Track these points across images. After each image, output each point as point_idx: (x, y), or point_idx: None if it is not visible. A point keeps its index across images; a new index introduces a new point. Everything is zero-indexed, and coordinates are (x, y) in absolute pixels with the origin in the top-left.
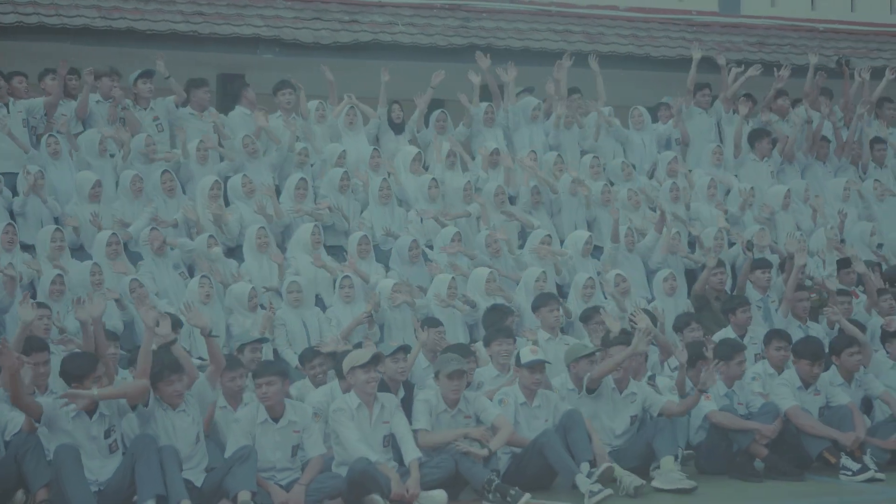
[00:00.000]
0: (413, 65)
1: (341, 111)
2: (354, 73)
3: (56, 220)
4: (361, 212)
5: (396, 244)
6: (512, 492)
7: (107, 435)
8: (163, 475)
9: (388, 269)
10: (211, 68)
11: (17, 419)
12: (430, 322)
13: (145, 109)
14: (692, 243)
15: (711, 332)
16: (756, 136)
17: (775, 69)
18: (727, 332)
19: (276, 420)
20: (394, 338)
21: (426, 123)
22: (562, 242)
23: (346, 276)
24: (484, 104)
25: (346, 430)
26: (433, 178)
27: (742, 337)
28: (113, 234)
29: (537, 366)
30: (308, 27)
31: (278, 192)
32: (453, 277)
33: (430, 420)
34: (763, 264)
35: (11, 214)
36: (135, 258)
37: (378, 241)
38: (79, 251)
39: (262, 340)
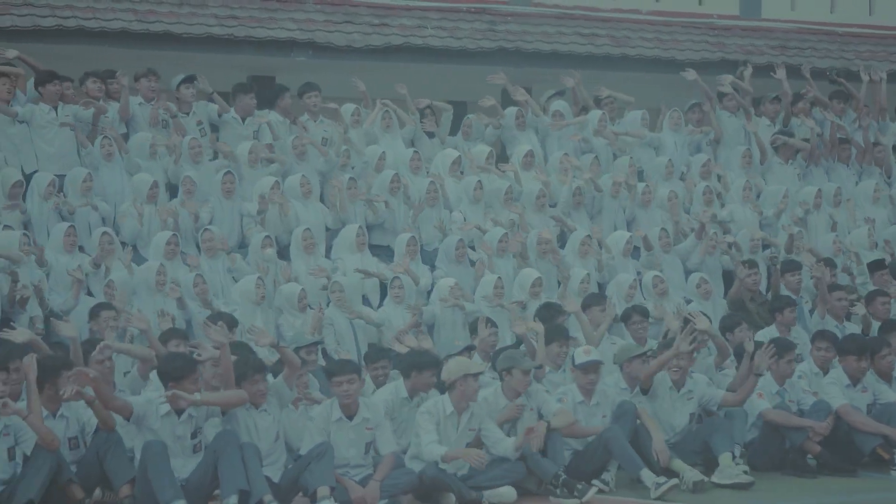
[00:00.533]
0: (444, 68)
1: (376, 117)
2: (385, 75)
3: (104, 222)
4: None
5: (443, 244)
6: (579, 486)
7: (193, 436)
8: (245, 471)
9: (433, 268)
10: (242, 70)
11: (94, 419)
12: (491, 323)
13: (188, 114)
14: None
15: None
16: (779, 141)
17: (804, 73)
18: (770, 332)
19: (350, 418)
20: (442, 337)
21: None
22: (600, 245)
23: (397, 278)
24: (514, 108)
25: (426, 433)
26: (478, 181)
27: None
28: (173, 234)
29: (591, 366)
30: (340, 30)
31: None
32: (499, 277)
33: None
34: (792, 267)
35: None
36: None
37: (423, 243)
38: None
39: (317, 343)
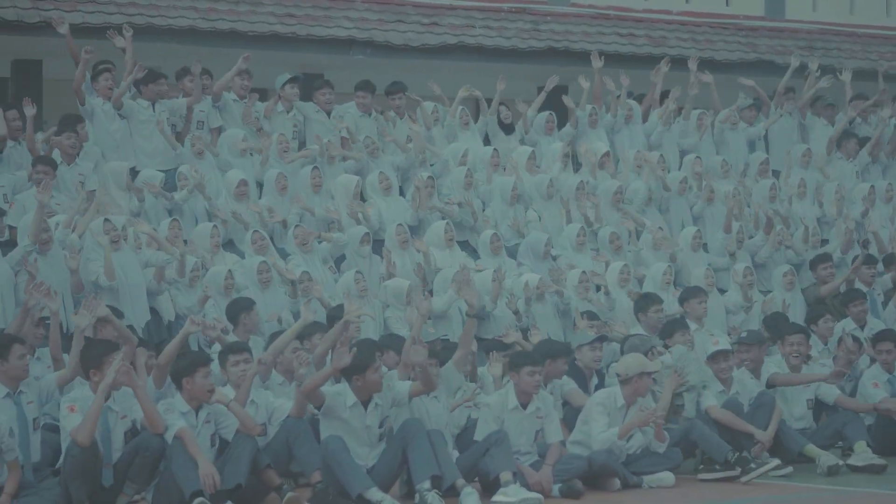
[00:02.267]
0: (494, 66)
1: (456, 110)
2: (437, 74)
3: (208, 217)
4: (483, 209)
5: (530, 240)
6: (754, 462)
7: (380, 424)
8: (435, 456)
9: (518, 264)
10: (291, 68)
11: (283, 406)
12: (591, 315)
13: (288, 113)
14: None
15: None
16: (843, 138)
17: (837, 73)
18: (847, 324)
19: (524, 406)
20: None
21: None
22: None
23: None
24: (588, 107)
25: (597, 424)
26: (550, 178)
27: (862, 328)
28: (255, 231)
29: (720, 355)
30: (394, 29)
31: (402, 192)
32: (584, 271)
33: None
34: (870, 260)
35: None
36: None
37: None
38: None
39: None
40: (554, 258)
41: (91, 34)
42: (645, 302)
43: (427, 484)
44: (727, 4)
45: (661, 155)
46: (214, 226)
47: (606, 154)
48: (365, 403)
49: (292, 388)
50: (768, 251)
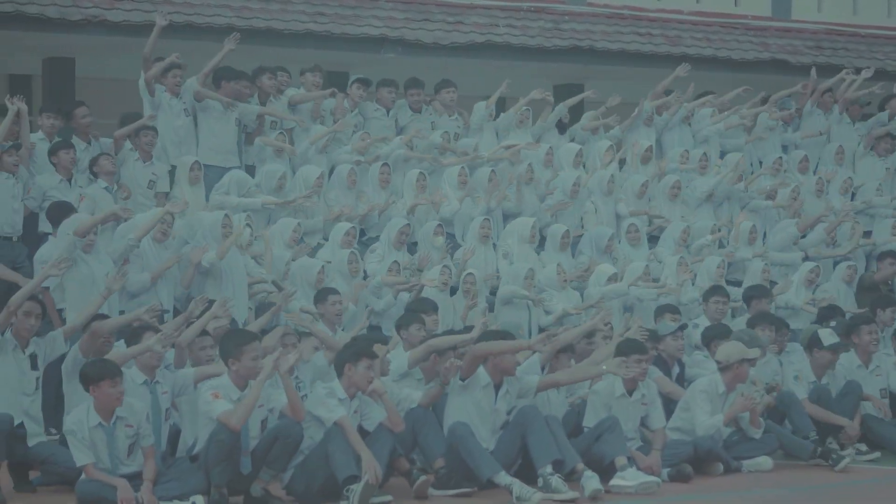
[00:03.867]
0: (519, 65)
1: (519, 108)
2: (463, 71)
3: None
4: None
5: (593, 234)
6: (834, 455)
7: (508, 412)
8: (555, 441)
9: (577, 255)
10: (322, 64)
11: (412, 395)
12: (671, 308)
13: (351, 112)
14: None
15: None
16: (879, 137)
17: (858, 71)
18: None
19: (630, 394)
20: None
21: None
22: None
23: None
24: (650, 104)
25: (702, 411)
26: (612, 175)
27: None
28: (352, 226)
29: (837, 347)
30: (423, 28)
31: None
32: (647, 265)
33: None
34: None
35: None
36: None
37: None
38: None
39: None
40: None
41: (130, 32)
42: (709, 293)
43: (549, 468)
44: (736, 4)
45: (705, 153)
46: (298, 223)
47: (649, 149)
48: (497, 387)
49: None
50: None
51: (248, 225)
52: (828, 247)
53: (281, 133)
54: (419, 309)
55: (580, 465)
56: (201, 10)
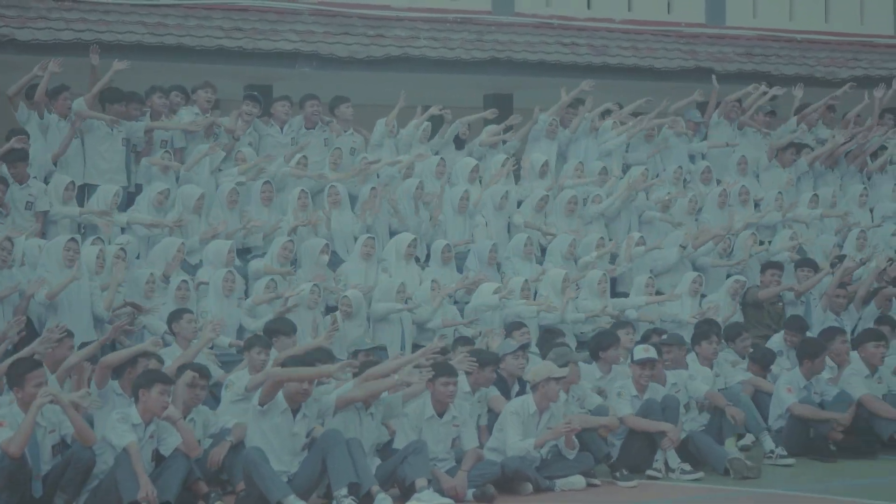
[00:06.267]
0: (438, 77)
1: (419, 124)
2: (381, 85)
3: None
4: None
5: (476, 248)
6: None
7: (307, 435)
8: (353, 464)
9: (464, 270)
10: (240, 81)
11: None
12: (516, 325)
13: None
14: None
15: (763, 330)
16: (783, 147)
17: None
18: (777, 339)
19: (441, 416)
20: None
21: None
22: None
23: (434, 281)
24: (546, 117)
25: (513, 432)
26: (506, 191)
27: None
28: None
29: (648, 363)
30: (340, 42)
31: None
32: (526, 280)
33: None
34: (805, 263)
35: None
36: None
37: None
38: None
39: (377, 348)
40: (499, 265)
41: (40, 51)
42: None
43: (344, 491)
44: (669, 12)
45: (605, 167)
46: (182, 242)
47: (545, 164)
48: (294, 411)
49: None
50: (711, 259)
51: (121, 249)
52: (721, 257)
53: (167, 152)
54: (277, 329)
55: (375, 488)
56: (115, 27)
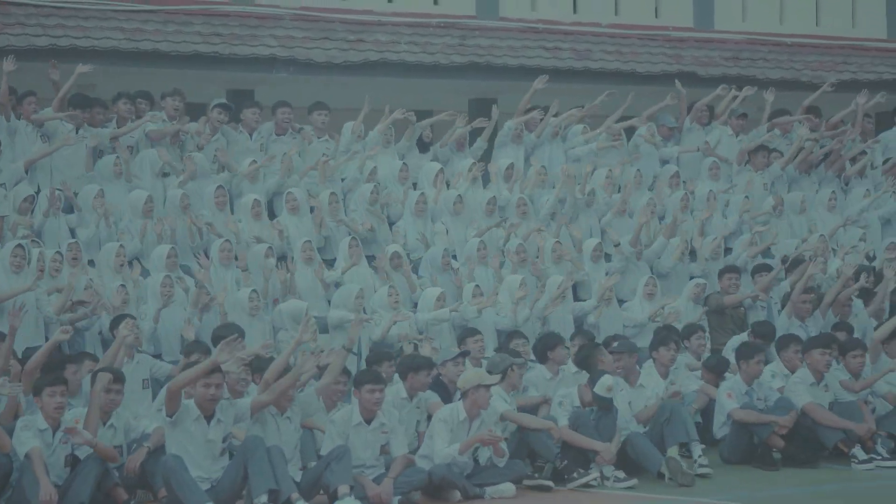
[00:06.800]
0: (418, 82)
1: (384, 128)
2: (363, 90)
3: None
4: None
5: (429, 254)
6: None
7: (223, 440)
8: (273, 471)
9: (418, 276)
10: (222, 86)
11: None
12: (470, 332)
13: (213, 136)
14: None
15: (727, 336)
16: (754, 151)
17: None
18: (742, 337)
19: (368, 422)
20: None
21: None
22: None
23: (392, 286)
24: (512, 122)
25: (440, 439)
26: (458, 195)
27: None
28: (172, 247)
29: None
30: (319, 47)
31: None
32: (476, 285)
33: None
34: (763, 268)
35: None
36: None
37: (410, 251)
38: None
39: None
40: (455, 271)
41: (17, 57)
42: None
43: (264, 498)
44: (656, 16)
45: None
46: (121, 245)
47: (510, 167)
48: (208, 418)
49: None
50: (671, 262)
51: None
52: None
53: (118, 157)
54: (223, 335)
55: (294, 495)
56: (93, 32)
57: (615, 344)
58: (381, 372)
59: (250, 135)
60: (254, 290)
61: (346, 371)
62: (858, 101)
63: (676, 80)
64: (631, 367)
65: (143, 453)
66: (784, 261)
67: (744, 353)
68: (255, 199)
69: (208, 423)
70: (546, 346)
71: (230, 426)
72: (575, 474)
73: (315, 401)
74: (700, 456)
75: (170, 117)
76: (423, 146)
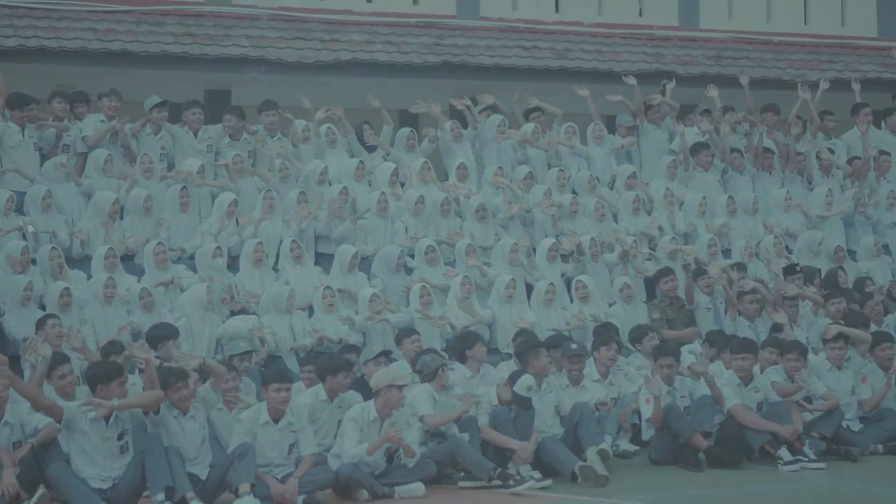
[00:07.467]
0: (391, 81)
1: (319, 128)
2: (335, 90)
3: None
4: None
5: (383, 254)
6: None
7: (120, 437)
8: (170, 470)
9: (371, 277)
10: (198, 86)
11: (40, 420)
12: (407, 332)
13: (156, 135)
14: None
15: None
16: (696, 149)
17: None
18: (694, 347)
19: (276, 421)
20: (374, 343)
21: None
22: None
23: (328, 287)
24: (449, 122)
25: (349, 439)
26: (420, 195)
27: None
28: (110, 248)
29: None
30: (291, 47)
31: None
32: (423, 286)
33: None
34: (703, 272)
35: None
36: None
37: (366, 252)
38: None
39: (249, 352)
40: (409, 272)
41: None
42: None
43: (161, 496)
44: (640, 15)
45: (530, 171)
46: (53, 248)
47: (462, 166)
48: (106, 417)
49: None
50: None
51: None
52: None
53: (67, 158)
54: (160, 334)
55: (189, 494)
56: (64, 33)
57: (574, 346)
58: (289, 371)
59: (195, 134)
60: (208, 285)
61: (233, 368)
62: (804, 97)
63: (626, 76)
64: (581, 369)
65: (26, 449)
66: (687, 267)
67: (661, 350)
68: (234, 199)
69: (107, 422)
70: (465, 345)
71: (127, 424)
72: (511, 482)
73: (211, 394)
74: (614, 446)
75: (108, 118)
76: (369, 147)
